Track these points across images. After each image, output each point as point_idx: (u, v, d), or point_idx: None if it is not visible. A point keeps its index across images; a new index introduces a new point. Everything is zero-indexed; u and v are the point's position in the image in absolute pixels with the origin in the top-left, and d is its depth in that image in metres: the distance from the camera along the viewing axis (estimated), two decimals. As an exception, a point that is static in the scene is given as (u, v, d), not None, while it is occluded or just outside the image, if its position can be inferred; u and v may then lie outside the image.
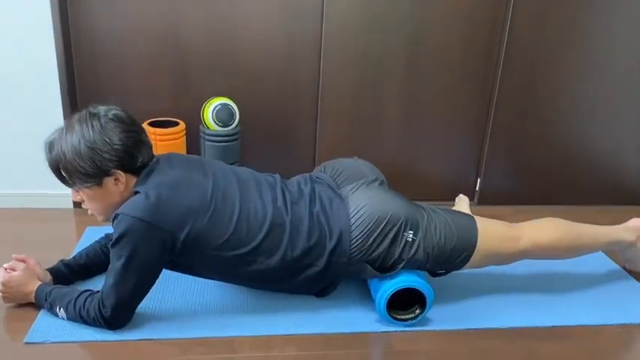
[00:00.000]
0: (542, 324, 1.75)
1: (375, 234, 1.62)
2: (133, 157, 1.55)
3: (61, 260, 1.80)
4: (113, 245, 1.50)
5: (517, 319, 1.76)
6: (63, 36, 2.19)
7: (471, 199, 2.61)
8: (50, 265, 1.76)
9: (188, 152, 2.37)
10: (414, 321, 1.68)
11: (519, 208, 2.58)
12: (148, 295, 1.59)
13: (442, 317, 1.74)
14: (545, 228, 1.81)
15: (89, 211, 1.64)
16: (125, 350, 1.53)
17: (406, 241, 1.64)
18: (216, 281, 1.76)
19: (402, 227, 1.64)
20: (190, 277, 1.72)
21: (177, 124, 2.34)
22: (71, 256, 1.84)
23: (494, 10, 2.36)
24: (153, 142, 2.25)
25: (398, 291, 1.64)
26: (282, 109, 2.46)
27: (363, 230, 1.63)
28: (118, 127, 1.52)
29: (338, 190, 1.75)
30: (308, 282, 1.68)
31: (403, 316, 1.69)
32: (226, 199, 1.59)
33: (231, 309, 1.72)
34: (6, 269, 1.65)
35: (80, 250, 1.87)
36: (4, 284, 1.62)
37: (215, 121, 2.29)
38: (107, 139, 1.50)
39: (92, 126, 1.50)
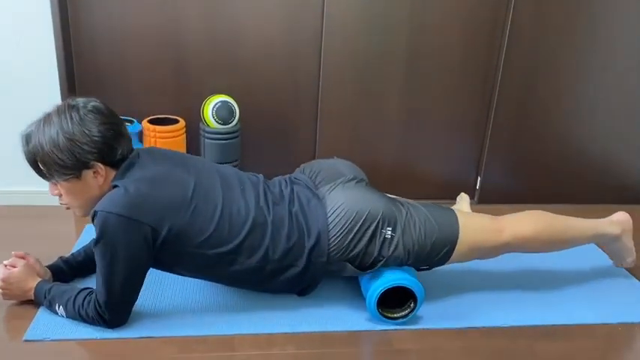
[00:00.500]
0: (541, 322, 1.75)
1: (353, 232, 1.62)
2: (113, 149, 1.53)
3: (60, 257, 1.80)
4: (96, 244, 1.48)
5: (516, 317, 1.76)
6: (62, 33, 2.18)
7: (472, 197, 2.61)
8: (50, 263, 1.76)
9: (188, 150, 2.37)
10: (405, 319, 1.68)
11: (519, 207, 2.55)
12: (147, 293, 1.59)
13: (441, 315, 1.74)
14: (527, 220, 1.81)
15: (66, 206, 1.59)
16: (125, 348, 1.53)
17: (384, 238, 1.64)
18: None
19: (380, 224, 1.63)
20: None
21: (177, 121, 2.34)
22: (70, 254, 1.84)
23: (495, 12, 2.36)
24: (152, 139, 2.28)
25: (388, 289, 1.63)
26: (282, 106, 2.46)
27: (340, 228, 1.62)
28: (98, 119, 1.50)
29: (316, 190, 1.74)
30: (288, 283, 1.67)
31: (395, 315, 1.68)
32: (208, 196, 1.58)
33: (230, 307, 1.72)
34: (6, 266, 1.65)
35: (79, 247, 1.86)
36: (3, 280, 1.62)
37: (215, 119, 2.29)
38: (86, 131, 1.47)
39: (71, 117, 1.48)
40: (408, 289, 1.65)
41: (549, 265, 2.04)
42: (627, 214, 1.94)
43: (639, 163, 2.67)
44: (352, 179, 1.75)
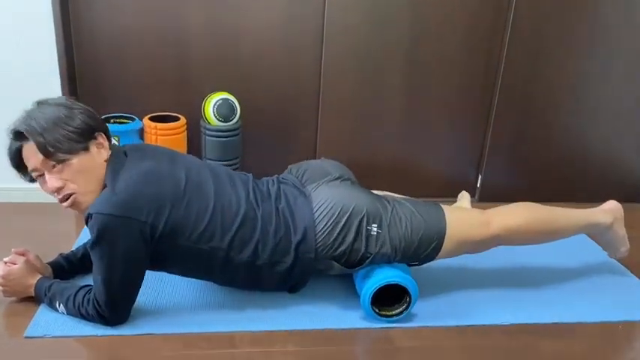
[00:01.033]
0: (541, 320, 1.74)
1: (339, 227, 1.63)
2: (103, 121, 1.62)
3: (61, 254, 1.80)
4: (92, 246, 1.48)
5: (516, 315, 1.75)
6: (63, 33, 2.18)
7: (472, 195, 2.61)
8: (50, 259, 1.76)
9: (189, 147, 2.37)
10: (400, 317, 1.67)
11: (520, 206, 2.57)
12: (148, 290, 1.58)
13: (439, 313, 1.74)
14: (516, 212, 1.80)
15: (66, 205, 1.55)
16: (126, 345, 1.53)
17: (370, 234, 1.64)
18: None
19: (365, 220, 1.64)
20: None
21: (177, 119, 2.34)
22: (70, 250, 1.84)
23: (497, 8, 2.36)
24: (153, 136, 2.27)
25: (382, 287, 1.63)
26: (283, 104, 2.46)
27: (326, 224, 1.63)
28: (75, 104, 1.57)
29: (302, 188, 1.76)
30: (278, 279, 1.67)
31: (389, 312, 1.68)
32: (201, 190, 1.59)
33: (231, 304, 1.72)
34: (6, 263, 1.65)
35: (80, 244, 1.86)
36: (4, 277, 1.62)
37: (216, 116, 2.28)
38: (76, 105, 1.55)
39: (58, 104, 1.54)
40: (402, 286, 1.65)
41: (550, 264, 2.04)
42: (618, 203, 1.93)
43: (639, 161, 2.68)
44: (338, 177, 1.77)
